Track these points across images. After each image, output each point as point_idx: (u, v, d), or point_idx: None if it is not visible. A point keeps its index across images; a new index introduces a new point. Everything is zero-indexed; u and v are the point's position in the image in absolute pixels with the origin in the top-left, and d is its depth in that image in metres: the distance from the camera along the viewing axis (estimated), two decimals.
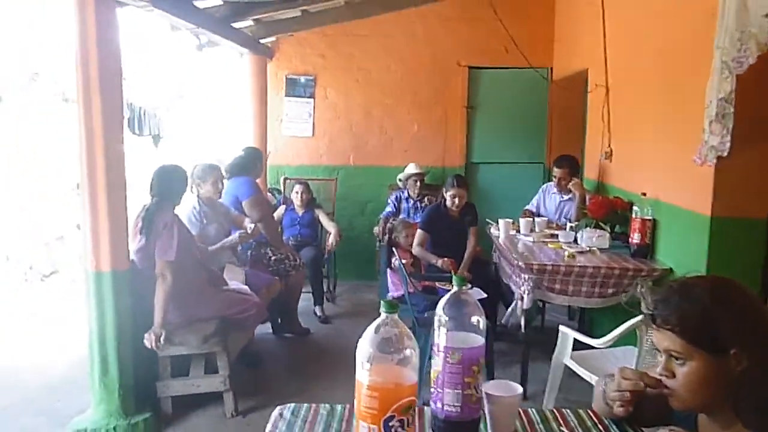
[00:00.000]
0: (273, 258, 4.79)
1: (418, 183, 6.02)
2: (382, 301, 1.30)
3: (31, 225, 6.90)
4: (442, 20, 6.62)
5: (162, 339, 3.43)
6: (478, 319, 1.41)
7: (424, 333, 3.97)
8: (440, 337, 1.40)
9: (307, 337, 5.04)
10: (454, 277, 1.44)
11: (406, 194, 6.14)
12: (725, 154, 2.78)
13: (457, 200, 4.72)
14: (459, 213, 4.81)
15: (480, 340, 1.40)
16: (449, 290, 4.03)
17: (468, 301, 1.43)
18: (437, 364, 1.40)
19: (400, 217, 5.83)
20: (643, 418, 1.43)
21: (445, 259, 4.51)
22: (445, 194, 4.80)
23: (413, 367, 1.26)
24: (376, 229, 5.92)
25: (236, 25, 5.50)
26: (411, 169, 6.18)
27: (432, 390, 1.42)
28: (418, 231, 4.80)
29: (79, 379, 4.02)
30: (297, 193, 5.78)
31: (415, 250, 4.71)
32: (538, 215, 5.11)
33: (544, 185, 5.35)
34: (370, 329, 1.27)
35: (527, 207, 5.27)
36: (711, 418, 1.30)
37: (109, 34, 3.24)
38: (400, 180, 6.31)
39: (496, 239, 4.61)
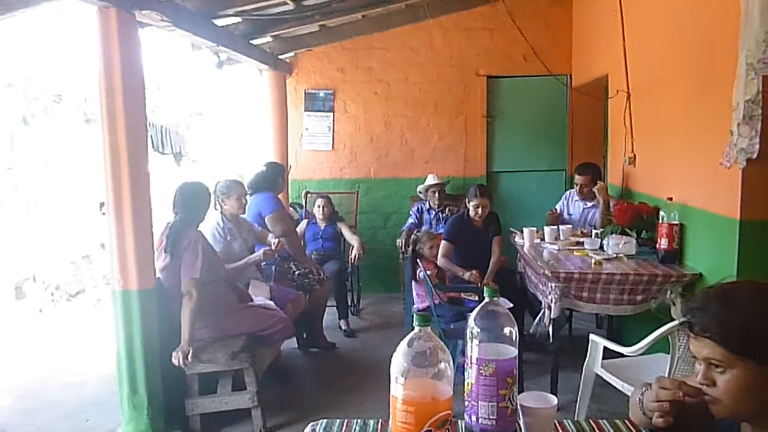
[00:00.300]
0: (297, 272, 4.80)
1: (438, 194, 6.02)
2: (414, 315, 1.30)
3: (56, 245, 7.01)
4: (461, 30, 6.64)
5: (190, 357, 3.44)
6: (511, 330, 1.41)
7: (452, 344, 3.96)
8: (473, 349, 1.41)
9: (333, 351, 5.04)
10: (485, 289, 1.44)
11: (427, 205, 6.13)
12: (755, 155, 2.75)
13: (480, 210, 4.72)
14: (482, 223, 4.81)
15: (513, 352, 1.40)
16: (475, 301, 3.96)
17: (499, 311, 1.43)
18: (471, 376, 1.39)
19: (423, 228, 5.83)
20: (684, 428, 1.40)
21: (473, 271, 4.50)
22: (467, 204, 4.80)
23: (448, 381, 1.26)
24: (399, 241, 5.91)
25: (255, 41, 5.57)
26: (430, 180, 6.18)
27: (466, 403, 1.41)
28: (443, 242, 4.80)
29: (108, 398, 4.06)
30: (319, 207, 5.80)
31: (440, 261, 4.70)
32: (562, 221, 5.08)
33: (567, 192, 5.31)
34: (404, 343, 1.27)
35: (551, 210, 5.24)
36: (756, 426, 1.27)
37: (132, 54, 3.30)
38: (420, 192, 6.32)
39: (521, 248, 4.58)
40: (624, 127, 4.73)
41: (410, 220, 6.11)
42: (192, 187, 3.76)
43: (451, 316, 4.25)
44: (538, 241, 4.62)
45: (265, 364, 4.00)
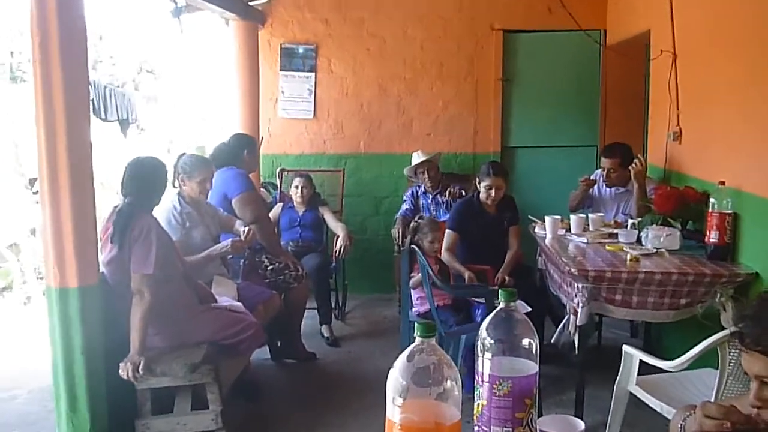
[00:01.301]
0: (270, 268, 4.82)
1: (427, 173, 6.08)
2: (416, 323, 1.31)
3: None
4: None
5: (141, 368, 3.44)
6: (530, 342, 1.42)
7: (453, 342, 4.02)
8: (484, 364, 1.41)
9: (312, 363, 5.07)
10: (501, 293, 1.44)
11: (422, 189, 6.19)
12: None
13: (493, 192, 4.75)
14: (496, 209, 4.84)
15: (533, 367, 1.41)
16: (482, 303, 3.96)
17: (517, 319, 1.44)
18: (482, 396, 1.40)
19: (424, 216, 5.84)
20: None
21: (469, 274, 4.55)
22: (478, 185, 4.83)
23: (455, 402, 1.27)
24: (394, 231, 5.96)
25: None
26: (415, 159, 6.24)
27: (475, 428, 1.42)
28: (447, 232, 4.82)
29: (42, 417, 4.06)
30: (296, 187, 5.82)
31: (444, 256, 4.73)
32: (591, 208, 5.12)
33: (597, 172, 5.32)
34: (403, 357, 1.28)
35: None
36: None
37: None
38: (409, 177, 6.38)
39: (541, 240, 4.61)
40: (668, 95, 4.74)
41: (404, 206, 6.17)
42: (145, 163, 3.75)
43: (455, 320, 4.28)
44: (563, 232, 4.65)
45: (230, 379, 4.01)
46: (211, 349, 3.70)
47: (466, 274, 4.57)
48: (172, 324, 3.68)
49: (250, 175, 4.99)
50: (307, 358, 5.09)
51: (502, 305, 1.44)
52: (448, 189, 6.07)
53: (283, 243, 5.60)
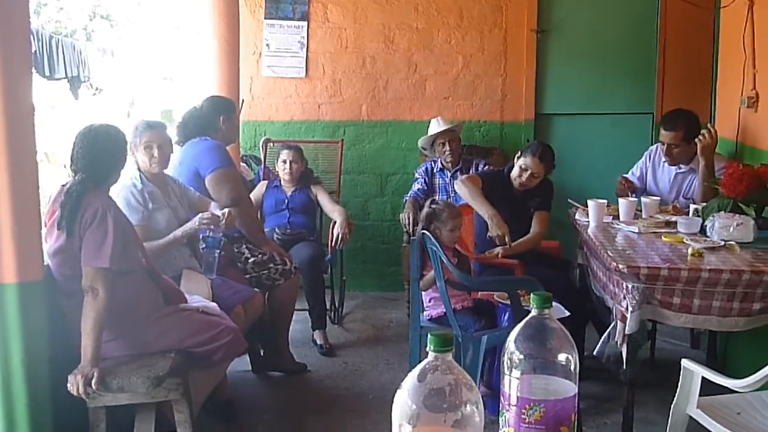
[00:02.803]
0: (251, 260, 4.84)
1: (449, 145, 6.12)
2: (430, 336, 1.31)
3: None
4: None
5: (94, 382, 3.44)
6: (568, 356, 1.42)
7: (472, 344, 4.06)
8: (511, 384, 1.42)
9: (302, 376, 5.09)
10: (532, 296, 1.45)
11: (438, 164, 6.22)
12: None
13: (526, 176, 4.87)
14: (523, 193, 4.91)
15: (571, 388, 1.42)
16: (509, 304, 3.94)
17: (551, 328, 1.44)
18: (508, 423, 1.41)
19: (438, 198, 5.85)
20: None
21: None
22: (515, 161, 4.91)
23: (475, 430, 1.28)
24: (403, 216, 5.98)
25: None
26: (434, 127, 6.26)
27: None
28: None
29: None
30: (284, 162, 5.83)
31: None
32: (644, 191, 5.12)
33: (654, 147, 5.30)
34: (413, 376, 1.28)
35: (625, 175, 5.26)
36: None
37: None
38: (422, 148, 6.40)
39: (583, 229, 4.60)
40: (742, 51, 4.72)
41: (416, 186, 6.21)
42: (100, 132, 3.70)
43: (477, 326, 4.29)
44: (610, 219, 4.65)
45: (203, 395, 4.03)
46: (179, 359, 3.70)
47: (493, 221, 4.77)
48: (132, 328, 3.68)
49: (227, 148, 5.00)
50: (295, 370, 5.11)
51: (533, 312, 1.44)
52: (470, 165, 6.07)
53: (268, 230, 5.62)
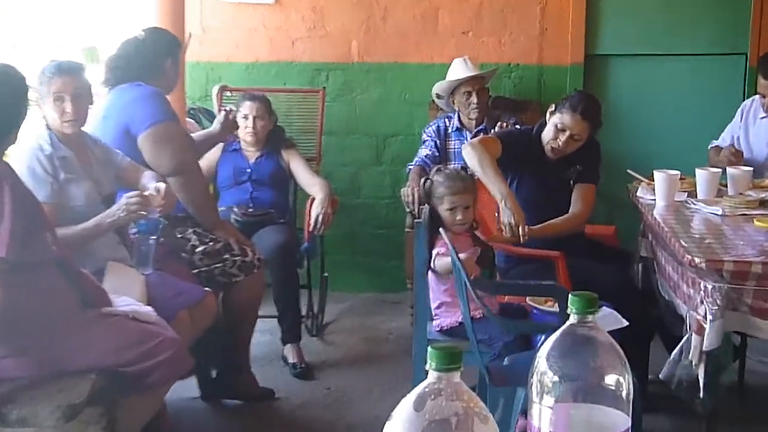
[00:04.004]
0: (201, 250, 4.82)
1: (476, 96, 6.11)
2: (430, 349, 1.31)
3: None
4: None
5: None
6: (619, 379, 1.43)
7: (503, 396, 3.99)
8: (542, 415, 1.43)
9: (268, 405, 5.10)
10: (571, 298, 1.46)
11: (456, 122, 6.23)
12: None
13: (563, 139, 4.78)
14: (559, 161, 4.92)
15: (622, 422, 1.42)
16: (551, 312, 3.96)
17: (598, 341, 1.45)
18: None
19: (451, 166, 5.88)
20: None
21: (471, 250, 4.52)
22: (547, 117, 4.86)
23: None
24: (406, 192, 5.94)
25: None
26: (458, 70, 6.24)
27: None
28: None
29: None
30: (246, 118, 5.87)
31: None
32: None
33: (747, 102, 5.30)
34: (407, 404, 1.29)
35: (715, 144, 5.21)
36: None
37: None
38: (438, 96, 6.39)
39: (648, 210, 4.62)
40: None
41: (424, 151, 6.22)
42: None
43: (505, 342, 4.27)
44: (684, 196, 4.67)
45: (135, 429, 4.03)
46: (102, 382, 3.69)
47: (510, 214, 4.65)
48: (38, 341, 3.66)
49: (168, 97, 4.99)
50: (259, 397, 5.10)
51: (573, 318, 1.45)
52: (498, 124, 6.07)
53: (223, 209, 5.66)
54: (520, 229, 4.65)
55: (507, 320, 4.29)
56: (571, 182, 4.90)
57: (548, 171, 4.91)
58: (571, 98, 4.83)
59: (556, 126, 4.76)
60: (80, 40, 6.91)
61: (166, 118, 4.75)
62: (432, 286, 4.58)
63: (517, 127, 5.99)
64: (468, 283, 3.98)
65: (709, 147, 5.23)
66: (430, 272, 4.55)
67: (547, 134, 4.82)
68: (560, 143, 4.76)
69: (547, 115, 4.87)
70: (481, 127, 6.10)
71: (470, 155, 4.78)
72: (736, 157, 5.05)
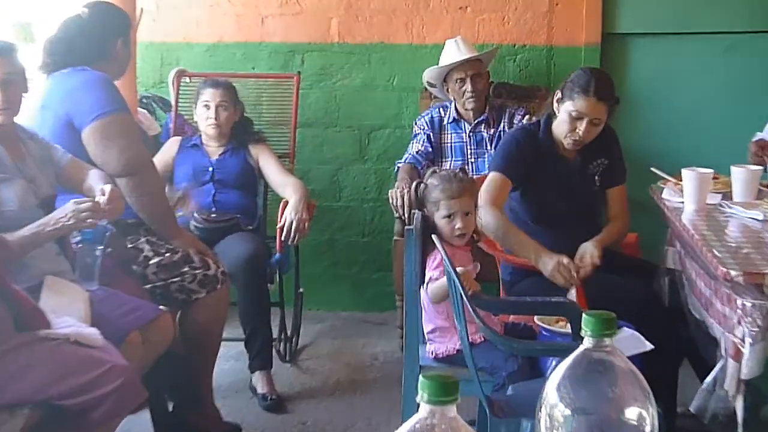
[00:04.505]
0: (155, 262, 4.79)
1: (470, 84, 6.11)
2: (422, 378, 1.32)
3: None
4: None
5: None
6: (642, 413, 1.44)
7: (506, 430, 4.00)
8: None
9: None
10: (585, 317, 1.47)
11: (452, 113, 6.24)
12: None
13: (583, 127, 4.68)
14: (576, 153, 4.89)
15: None
16: (563, 333, 3.98)
17: (616, 369, 1.46)
18: None
19: (448, 165, 5.95)
20: None
21: (471, 266, 4.48)
22: (556, 107, 4.82)
23: None
24: (395, 193, 5.90)
25: None
26: (451, 53, 6.24)
27: None
28: (492, 175, 4.85)
29: None
30: (208, 107, 5.89)
31: (486, 218, 4.68)
32: None
33: None
34: None
35: (760, 136, 5.24)
36: None
37: None
38: (428, 82, 6.40)
39: (675, 215, 4.62)
40: None
41: (415, 146, 6.23)
42: None
43: (511, 367, 4.27)
44: (717, 199, 4.65)
45: None
46: (38, 417, 3.68)
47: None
48: None
49: (117, 84, 4.97)
50: None
51: (588, 341, 1.46)
52: (501, 116, 6.10)
53: (182, 214, 5.56)
54: (572, 272, 4.56)
55: (511, 342, 4.23)
56: (597, 178, 4.87)
57: (568, 171, 4.87)
58: (578, 79, 4.71)
59: (571, 114, 4.69)
60: (11, 15, 6.91)
61: (115, 108, 4.69)
62: (425, 305, 4.53)
63: (526, 118, 5.98)
64: (466, 301, 4.01)
65: (751, 141, 5.21)
66: (422, 288, 4.54)
67: (562, 127, 4.74)
68: (581, 133, 4.69)
69: (554, 104, 4.80)
70: (482, 118, 6.13)
71: (487, 226, 4.69)
72: (759, 153, 5.07)
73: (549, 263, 4.55)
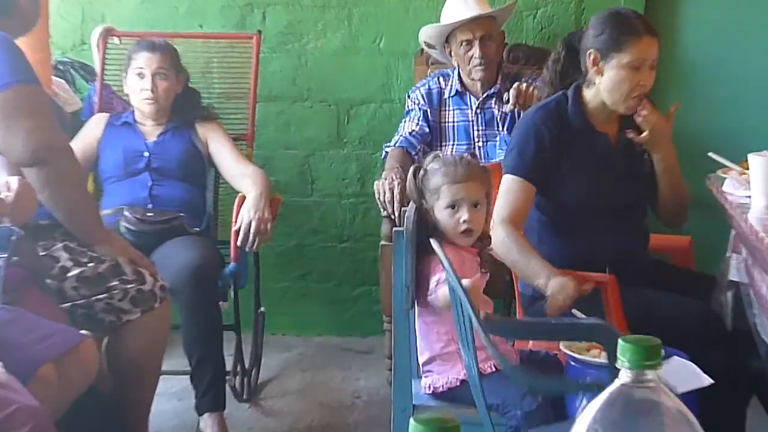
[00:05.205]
0: (75, 274, 4.75)
1: (478, 48, 6.09)
2: (413, 423, 1.34)
3: None
4: None
5: None
6: None
7: None
8: None
9: None
10: (622, 343, 1.49)
11: (454, 83, 6.24)
12: None
13: (647, 76, 4.70)
14: (617, 126, 4.88)
15: None
16: (596, 364, 4.00)
17: (662, 408, 1.48)
18: None
19: (450, 149, 5.98)
20: None
21: (478, 276, 4.44)
22: (596, 70, 4.78)
23: None
24: (381, 186, 5.89)
25: None
26: (456, 8, 6.22)
27: None
28: (508, 179, 4.78)
29: None
30: (142, 76, 5.92)
31: (499, 236, 4.65)
32: None
33: None
34: None
35: None
36: None
37: None
38: (428, 45, 6.40)
39: (739, 213, 4.61)
40: None
41: (409, 125, 6.22)
42: None
43: (531, 410, 4.25)
44: None
45: None
46: None
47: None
48: None
49: (21, 46, 4.93)
50: None
51: (626, 374, 1.48)
52: (518, 85, 6.03)
53: (110, 213, 5.68)
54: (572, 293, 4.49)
55: (531, 375, 4.25)
56: (646, 156, 4.86)
57: (611, 151, 4.88)
58: (615, 25, 4.72)
59: (631, 66, 4.69)
60: None
61: (19, 78, 4.64)
62: (421, 327, 4.51)
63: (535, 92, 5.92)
64: (475, 321, 3.97)
65: None
66: (417, 306, 4.52)
67: (621, 88, 4.69)
68: (647, 83, 4.72)
69: (591, 70, 4.75)
70: (492, 91, 6.13)
71: (497, 249, 4.64)
72: None
73: (555, 287, 4.44)
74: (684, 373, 3.96)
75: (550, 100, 4.99)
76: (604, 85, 4.74)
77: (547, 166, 4.75)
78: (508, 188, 4.70)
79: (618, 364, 1.44)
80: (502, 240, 4.60)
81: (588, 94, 4.81)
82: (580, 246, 4.72)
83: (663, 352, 1.47)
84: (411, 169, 4.47)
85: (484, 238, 4.50)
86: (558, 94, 4.92)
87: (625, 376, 1.44)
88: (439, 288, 4.21)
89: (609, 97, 4.74)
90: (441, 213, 4.27)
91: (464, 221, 4.24)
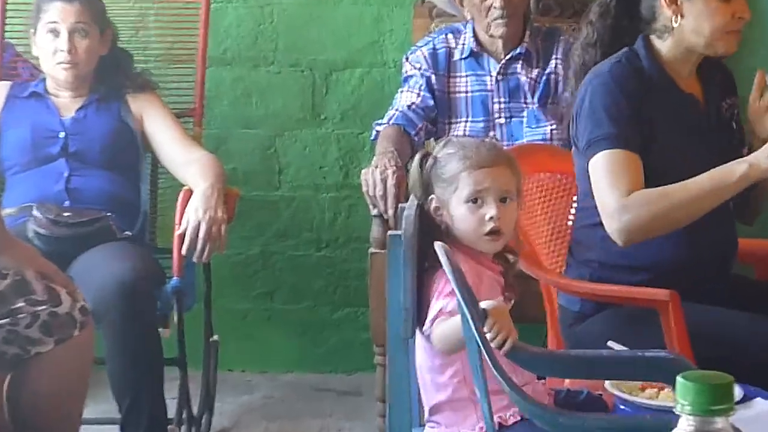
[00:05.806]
0: None
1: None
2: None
3: None
4: None
5: None
6: None
7: None
8: None
9: None
10: (680, 382, 1.54)
11: (469, 40, 6.25)
12: None
13: (743, 7, 4.61)
14: (701, 86, 4.88)
15: None
16: (653, 407, 3.77)
17: None
18: None
19: (463, 130, 5.96)
20: None
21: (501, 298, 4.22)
22: (675, 9, 4.60)
23: None
24: (372, 175, 5.71)
25: None
26: None
27: None
28: (606, 157, 4.61)
29: None
30: (56, 33, 5.90)
31: (632, 209, 4.48)
32: None
33: None
34: None
35: None
36: None
37: None
38: None
39: None
40: None
41: (408, 96, 6.23)
42: None
43: None
44: None
45: None
46: None
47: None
48: None
49: None
50: None
51: (688, 420, 1.51)
52: (554, 46, 6.03)
53: (14, 212, 5.70)
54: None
55: (572, 419, 3.97)
56: (734, 124, 4.80)
57: (699, 113, 4.82)
58: None
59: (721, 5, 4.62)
60: None
61: None
62: (423, 362, 4.31)
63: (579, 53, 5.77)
64: (489, 360, 3.73)
65: None
66: (419, 335, 4.29)
67: (714, 21, 4.64)
68: (746, 15, 4.72)
69: (664, 14, 4.66)
70: (518, 52, 6.05)
71: (653, 224, 4.49)
72: None
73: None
74: (767, 419, 3.80)
75: (615, 58, 4.85)
76: (689, 26, 4.66)
77: (643, 134, 4.65)
78: (611, 167, 4.56)
79: (677, 409, 1.46)
80: (644, 217, 4.49)
81: (662, 45, 4.74)
82: (680, 243, 4.59)
83: (738, 391, 1.30)
84: (417, 157, 4.26)
85: (511, 253, 4.28)
86: (623, 52, 4.78)
87: (686, 424, 1.46)
88: (440, 323, 4.00)
89: (699, 39, 4.69)
90: (459, 209, 4.06)
91: (490, 218, 4.00)
